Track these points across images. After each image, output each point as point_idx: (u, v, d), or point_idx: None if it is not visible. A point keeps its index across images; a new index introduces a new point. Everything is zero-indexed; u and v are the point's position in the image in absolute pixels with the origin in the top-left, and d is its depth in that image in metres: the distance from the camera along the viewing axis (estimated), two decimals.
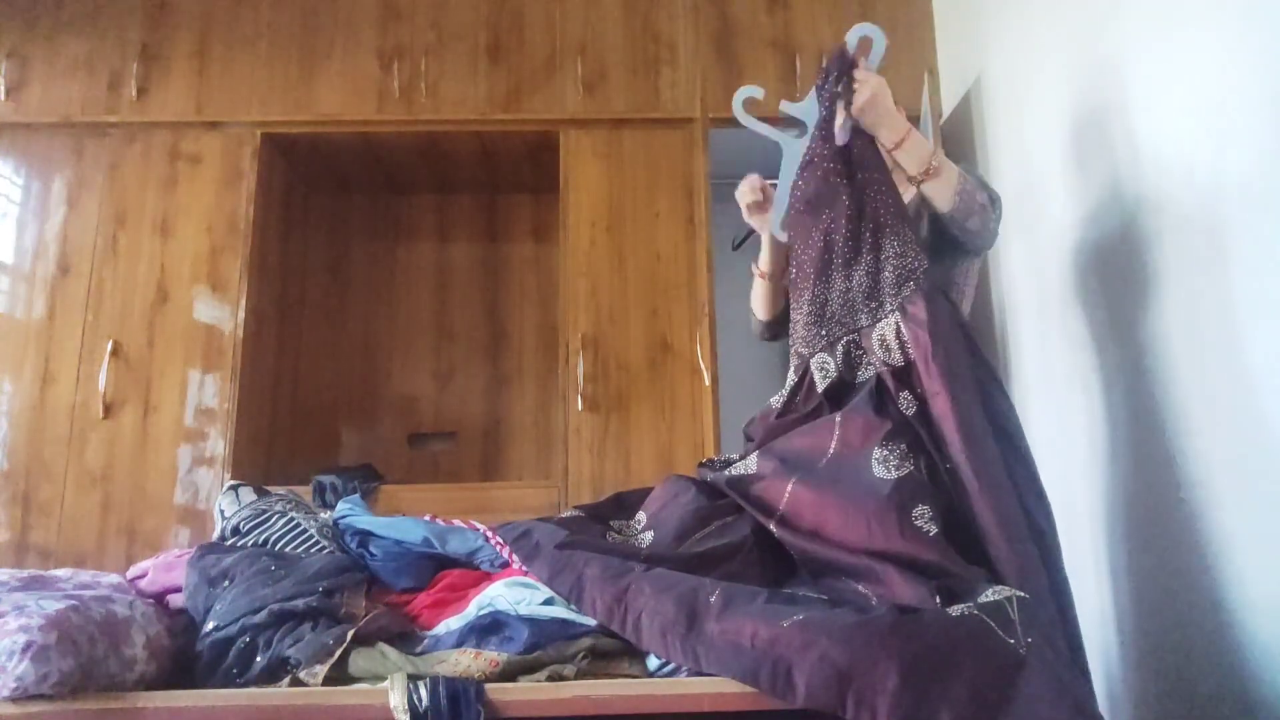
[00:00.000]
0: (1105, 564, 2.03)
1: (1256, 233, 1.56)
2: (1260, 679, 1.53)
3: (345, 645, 1.34)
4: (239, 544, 1.67)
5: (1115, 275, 1.98)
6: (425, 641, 1.43)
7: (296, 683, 1.31)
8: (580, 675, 1.31)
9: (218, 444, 2.75)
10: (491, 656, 1.32)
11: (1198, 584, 1.69)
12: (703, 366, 2.77)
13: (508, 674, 1.31)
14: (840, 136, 1.67)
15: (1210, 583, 1.66)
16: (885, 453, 1.44)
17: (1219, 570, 1.64)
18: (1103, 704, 1.94)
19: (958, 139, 2.86)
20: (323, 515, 1.79)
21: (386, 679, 1.28)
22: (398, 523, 1.68)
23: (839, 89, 1.67)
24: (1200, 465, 1.70)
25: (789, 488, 1.49)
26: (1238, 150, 1.61)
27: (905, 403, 1.52)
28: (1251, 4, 1.58)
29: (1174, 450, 1.78)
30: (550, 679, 1.30)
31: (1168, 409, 1.80)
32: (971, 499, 1.41)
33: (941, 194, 1.65)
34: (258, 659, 1.36)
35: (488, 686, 1.26)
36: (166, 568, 1.61)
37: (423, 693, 1.23)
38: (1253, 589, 1.56)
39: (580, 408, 2.79)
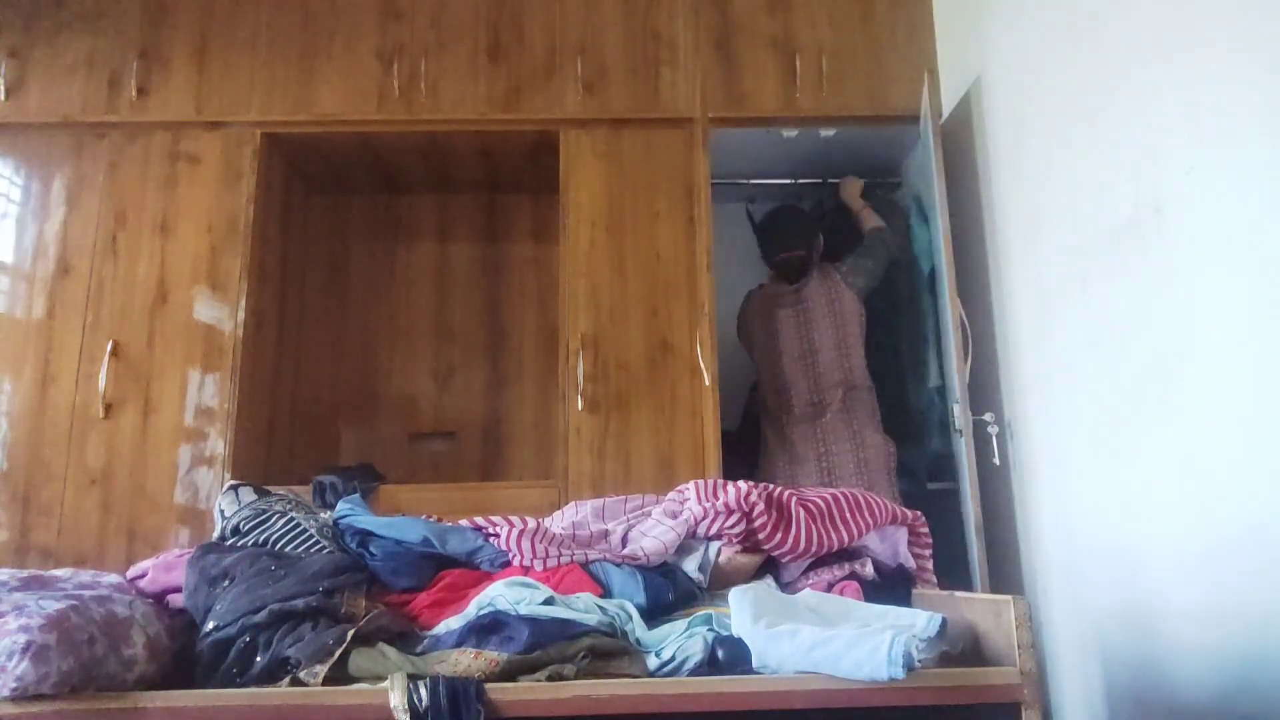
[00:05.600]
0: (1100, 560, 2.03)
1: (1258, 234, 1.57)
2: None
3: (345, 645, 1.34)
4: (239, 544, 1.67)
5: (1114, 275, 1.98)
6: (425, 641, 1.43)
7: (296, 683, 1.31)
8: (580, 675, 1.31)
9: (218, 444, 2.75)
10: (491, 656, 1.32)
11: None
12: (703, 366, 2.77)
13: (508, 674, 1.31)
14: None
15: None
16: None
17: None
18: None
19: (958, 139, 2.86)
20: (323, 515, 1.78)
21: (386, 679, 1.28)
22: (398, 523, 1.68)
23: None
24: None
25: None
26: (1236, 149, 1.61)
27: None
28: (1250, 6, 1.58)
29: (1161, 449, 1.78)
30: (550, 679, 1.30)
31: (1161, 411, 1.80)
32: None
33: None
34: (258, 659, 1.36)
35: (488, 686, 1.26)
36: (166, 568, 1.61)
37: (423, 692, 1.23)
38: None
39: (580, 408, 2.79)
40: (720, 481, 1.72)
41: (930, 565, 1.81)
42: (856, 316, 2.85)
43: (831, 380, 2.80)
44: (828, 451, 2.71)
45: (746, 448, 2.98)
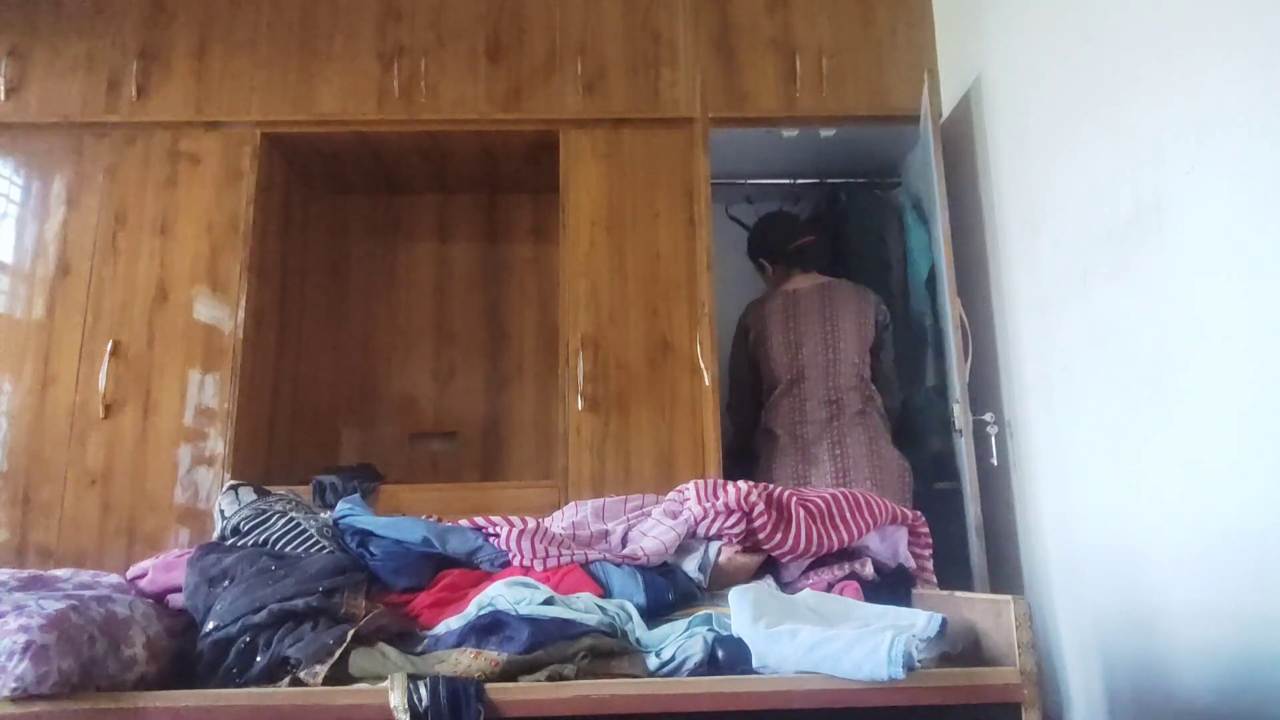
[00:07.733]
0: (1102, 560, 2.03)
1: (1258, 234, 1.57)
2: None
3: (345, 645, 1.34)
4: (239, 544, 1.67)
5: (1114, 275, 1.98)
6: (425, 641, 1.43)
7: (296, 683, 1.31)
8: (580, 675, 1.31)
9: (218, 444, 2.74)
10: (492, 656, 1.32)
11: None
12: (703, 366, 2.77)
13: (508, 674, 1.31)
14: None
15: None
16: None
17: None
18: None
19: (958, 139, 2.86)
20: (323, 515, 1.79)
21: (386, 679, 1.28)
22: (398, 522, 1.68)
23: None
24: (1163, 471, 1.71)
25: None
26: (1236, 149, 1.61)
27: None
28: (1251, 6, 1.58)
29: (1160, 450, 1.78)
30: (550, 679, 1.30)
31: (1160, 411, 1.80)
32: None
33: None
34: (258, 659, 1.36)
35: (488, 686, 1.26)
36: (166, 568, 1.61)
37: (423, 692, 1.23)
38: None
39: (580, 408, 2.79)
40: (720, 481, 1.72)
41: (930, 565, 1.81)
42: (874, 339, 2.82)
43: (850, 383, 2.75)
44: (844, 454, 2.67)
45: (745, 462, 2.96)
